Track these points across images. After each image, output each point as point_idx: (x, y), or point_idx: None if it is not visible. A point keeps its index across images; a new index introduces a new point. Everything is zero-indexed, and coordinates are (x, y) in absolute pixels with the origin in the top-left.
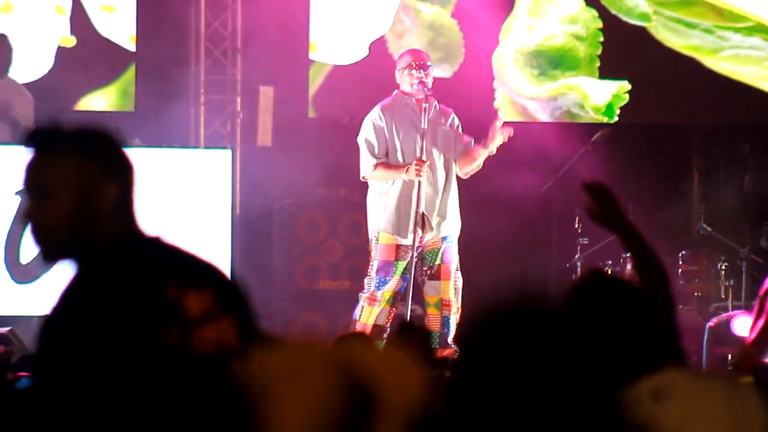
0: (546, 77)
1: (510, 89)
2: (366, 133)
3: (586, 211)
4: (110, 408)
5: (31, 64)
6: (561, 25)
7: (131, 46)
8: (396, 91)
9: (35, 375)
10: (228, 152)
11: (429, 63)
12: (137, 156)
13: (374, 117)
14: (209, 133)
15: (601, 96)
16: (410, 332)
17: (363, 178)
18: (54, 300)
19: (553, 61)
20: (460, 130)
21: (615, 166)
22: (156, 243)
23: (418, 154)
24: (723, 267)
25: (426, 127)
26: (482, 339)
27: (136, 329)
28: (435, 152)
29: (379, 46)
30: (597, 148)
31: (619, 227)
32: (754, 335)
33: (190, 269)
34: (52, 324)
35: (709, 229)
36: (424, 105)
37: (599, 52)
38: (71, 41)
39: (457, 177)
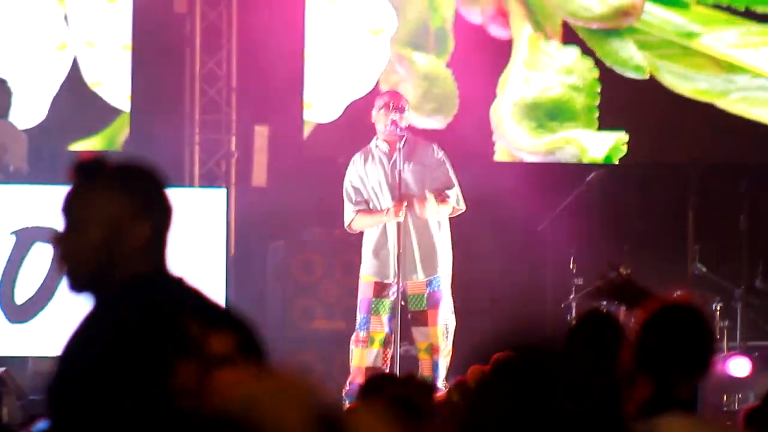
0: (544, 129)
1: (508, 143)
2: (346, 183)
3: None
4: None
5: (28, 110)
6: (558, 76)
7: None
8: (375, 137)
9: (53, 412)
10: (223, 191)
11: (406, 106)
12: None
13: (352, 165)
14: (204, 172)
15: (598, 149)
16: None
17: (347, 227)
18: (67, 336)
19: (550, 113)
20: (443, 161)
21: (610, 207)
22: (180, 283)
23: (395, 195)
24: (718, 307)
25: (401, 168)
26: (496, 386)
27: (157, 365)
28: (411, 192)
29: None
30: (592, 189)
31: (634, 300)
32: None
33: (212, 310)
34: (68, 358)
35: (704, 269)
36: (398, 145)
37: (597, 102)
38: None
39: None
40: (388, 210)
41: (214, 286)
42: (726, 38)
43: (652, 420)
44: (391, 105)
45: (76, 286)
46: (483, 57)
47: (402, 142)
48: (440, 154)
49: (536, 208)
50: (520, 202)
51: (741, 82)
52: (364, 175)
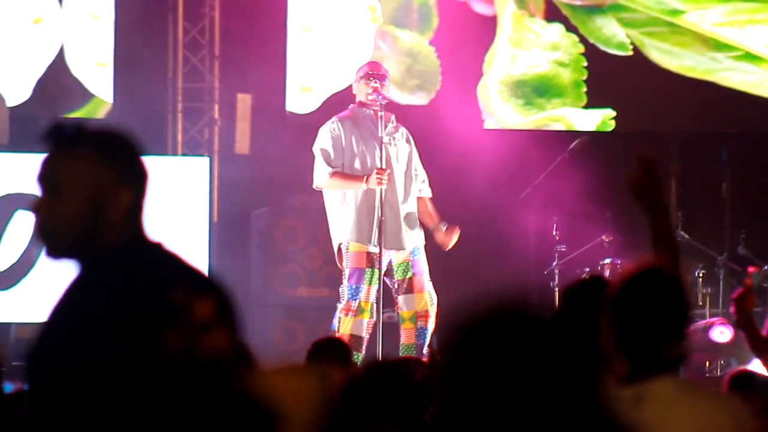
0: (532, 106)
1: (497, 120)
2: (321, 143)
3: (627, 181)
4: (113, 413)
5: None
6: (543, 52)
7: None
8: (351, 105)
9: (32, 379)
10: (206, 159)
11: (386, 75)
12: None
13: (331, 127)
14: (187, 140)
15: (586, 125)
16: (328, 349)
17: (316, 186)
18: (52, 303)
19: (538, 90)
20: (415, 154)
21: (593, 174)
22: (159, 249)
23: (378, 164)
24: (701, 274)
25: (383, 136)
26: (466, 346)
27: (143, 331)
28: (394, 163)
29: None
30: (574, 157)
31: (655, 208)
32: None
33: (194, 276)
34: (52, 326)
35: (686, 236)
36: (380, 113)
37: (584, 77)
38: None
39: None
40: (368, 177)
41: (197, 254)
42: (711, 16)
43: (641, 384)
44: (371, 74)
45: (56, 253)
46: (467, 33)
47: (384, 113)
48: (411, 140)
49: (519, 175)
50: (503, 168)
51: (727, 63)
52: (344, 138)
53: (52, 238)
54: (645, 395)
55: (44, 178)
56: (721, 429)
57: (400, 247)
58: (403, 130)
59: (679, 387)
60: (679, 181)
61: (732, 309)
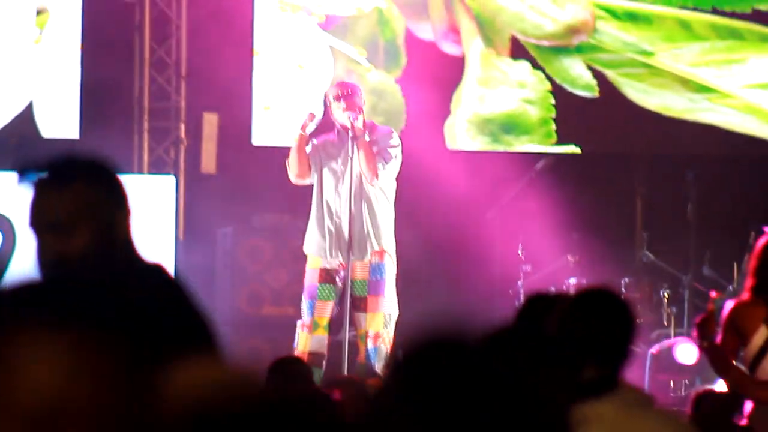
0: (500, 143)
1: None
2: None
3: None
4: None
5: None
6: (511, 90)
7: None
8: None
9: None
10: (171, 179)
11: (354, 90)
12: None
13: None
14: (153, 159)
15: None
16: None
17: (292, 178)
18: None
19: (504, 127)
20: (395, 144)
21: (558, 195)
22: (159, 270)
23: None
24: (666, 294)
25: (352, 154)
26: (400, 375)
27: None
28: (355, 177)
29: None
30: (540, 177)
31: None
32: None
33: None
34: None
35: (651, 256)
36: (350, 133)
37: (553, 114)
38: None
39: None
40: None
41: None
42: (686, 56)
43: (583, 406)
44: (339, 94)
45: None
46: (435, 73)
47: (354, 130)
48: (396, 140)
49: (485, 195)
50: (469, 189)
51: (704, 105)
52: (319, 148)
53: (70, 274)
54: (587, 417)
55: (43, 218)
56: None
57: (362, 256)
58: (389, 132)
59: (622, 407)
60: (645, 202)
61: (695, 334)
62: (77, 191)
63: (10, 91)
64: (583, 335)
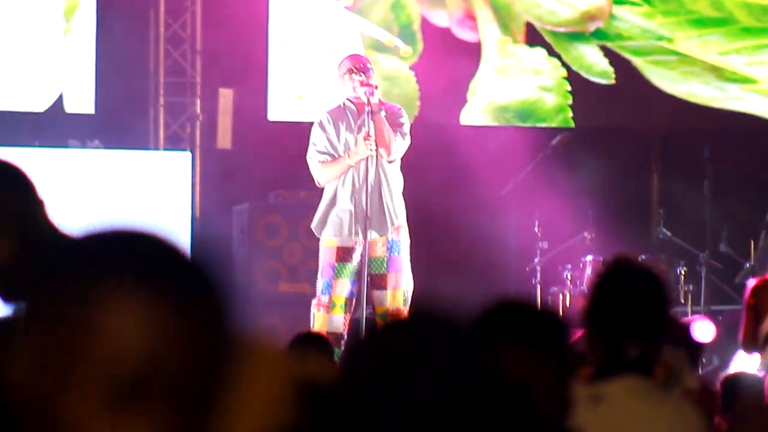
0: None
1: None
2: (312, 138)
3: None
4: None
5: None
6: (527, 77)
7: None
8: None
9: None
10: (187, 154)
11: (369, 66)
12: (97, 158)
13: (321, 121)
14: (169, 135)
15: None
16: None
17: (319, 183)
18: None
19: (521, 115)
20: (406, 121)
21: (574, 171)
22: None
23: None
24: (682, 272)
25: (368, 129)
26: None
27: None
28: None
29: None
30: (556, 153)
31: None
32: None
33: None
34: None
35: (668, 233)
36: (366, 108)
37: (569, 101)
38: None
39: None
40: (348, 154)
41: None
42: (714, 43)
43: (601, 384)
44: (354, 68)
45: (11, 295)
46: (450, 59)
47: (371, 105)
48: (406, 118)
49: (501, 171)
50: (485, 165)
51: (733, 92)
52: (334, 135)
53: (8, 281)
54: (602, 395)
55: None
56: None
57: (373, 234)
58: (398, 110)
59: (637, 388)
60: (661, 178)
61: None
62: None
63: (40, 85)
64: (624, 311)
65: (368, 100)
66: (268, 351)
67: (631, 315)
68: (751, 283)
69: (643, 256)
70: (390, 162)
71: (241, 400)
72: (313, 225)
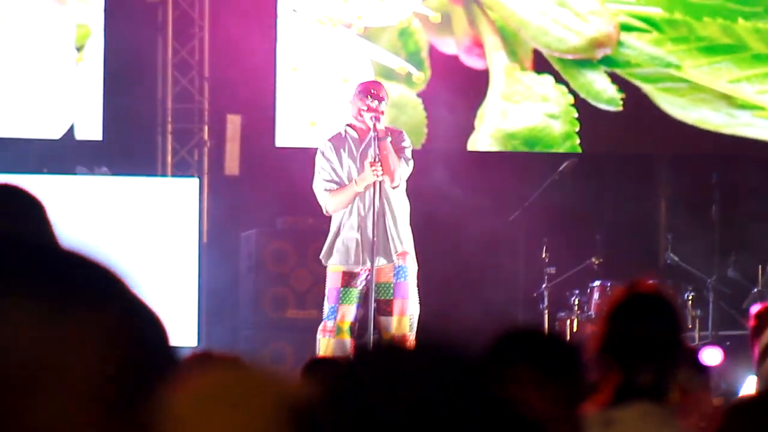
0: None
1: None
2: (318, 168)
3: None
4: None
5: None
6: (534, 105)
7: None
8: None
9: None
10: (195, 181)
11: (384, 95)
12: (105, 184)
13: (323, 149)
14: (176, 161)
15: None
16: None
17: (327, 212)
18: None
19: (528, 142)
20: (405, 151)
21: (582, 196)
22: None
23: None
24: (690, 297)
25: (375, 154)
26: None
27: None
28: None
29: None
30: (564, 178)
31: None
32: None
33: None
34: None
35: (676, 258)
36: (372, 134)
37: (577, 128)
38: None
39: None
40: (356, 181)
41: (186, 276)
42: (725, 71)
43: (613, 410)
44: (367, 92)
45: None
46: (458, 87)
47: (377, 131)
48: (408, 142)
49: (509, 196)
50: (492, 191)
51: (743, 119)
52: (337, 162)
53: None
54: (614, 419)
55: None
56: None
57: (379, 261)
58: (401, 135)
59: (649, 413)
60: (669, 204)
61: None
62: None
63: (52, 113)
64: (639, 338)
65: (374, 125)
66: (265, 374)
67: (645, 341)
68: (754, 309)
69: (649, 281)
70: (394, 188)
71: (233, 423)
72: (321, 255)
